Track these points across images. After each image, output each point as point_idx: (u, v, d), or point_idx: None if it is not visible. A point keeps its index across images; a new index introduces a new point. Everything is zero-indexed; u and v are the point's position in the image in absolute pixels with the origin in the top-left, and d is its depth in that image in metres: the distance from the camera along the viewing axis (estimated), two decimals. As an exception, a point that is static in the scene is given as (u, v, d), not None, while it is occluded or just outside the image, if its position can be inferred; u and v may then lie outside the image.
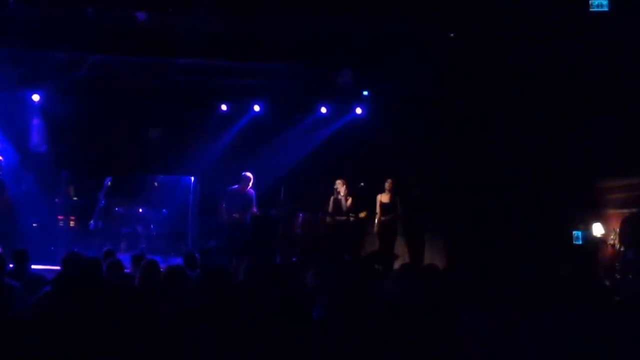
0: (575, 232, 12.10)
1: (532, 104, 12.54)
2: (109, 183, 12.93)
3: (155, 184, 15.30)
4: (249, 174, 13.54)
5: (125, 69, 13.98)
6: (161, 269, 6.98)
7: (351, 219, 13.52)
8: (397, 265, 11.73)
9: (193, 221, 14.97)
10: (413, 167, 14.19)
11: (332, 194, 13.71)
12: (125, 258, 9.20)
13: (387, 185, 13.52)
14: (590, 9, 10.14)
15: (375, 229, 13.51)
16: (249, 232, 13.30)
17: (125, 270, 8.47)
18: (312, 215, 13.93)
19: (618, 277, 10.40)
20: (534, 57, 11.84)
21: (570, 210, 12.43)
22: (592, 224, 12.21)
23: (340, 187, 13.62)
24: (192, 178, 15.25)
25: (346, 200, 13.60)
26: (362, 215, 13.54)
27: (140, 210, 14.72)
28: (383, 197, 13.55)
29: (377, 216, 13.48)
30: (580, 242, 12.05)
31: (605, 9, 10.10)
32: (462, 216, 13.47)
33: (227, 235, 13.54)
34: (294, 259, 13.40)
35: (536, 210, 12.48)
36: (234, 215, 13.39)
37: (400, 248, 13.48)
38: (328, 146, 15.05)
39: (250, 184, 13.51)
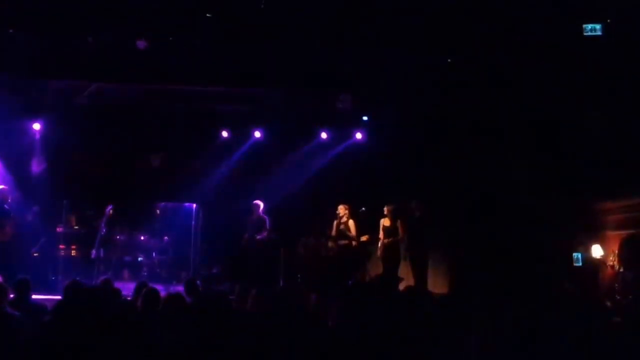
0: (575, 254, 12.09)
1: (531, 127, 12.59)
2: (110, 211, 12.95)
3: (157, 211, 15.45)
4: (256, 202, 13.79)
5: (126, 96, 14.06)
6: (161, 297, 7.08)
7: (353, 243, 13.56)
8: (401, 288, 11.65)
9: (195, 248, 14.92)
10: (414, 190, 13.97)
11: (335, 219, 13.77)
12: (125, 287, 9.18)
13: (385, 210, 13.52)
14: (584, 34, 10.28)
15: (379, 252, 13.53)
16: (253, 257, 13.48)
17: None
18: (315, 239, 13.96)
19: (618, 297, 10.31)
20: (531, 80, 11.89)
21: (570, 232, 12.41)
22: (591, 246, 12.18)
23: (343, 211, 13.68)
24: (194, 205, 15.24)
25: (348, 224, 13.64)
26: (364, 238, 13.59)
27: (142, 238, 14.88)
28: (385, 221, 13.52)
29: (381, 240, 13.48)
30: (580, 264, 12.04)
31: (599, 33, 10.19)
32: (465, 240, 13.49)
33: (233, 260, 13.83)
34: (296, 284, 13.45)
35: (537, 232, 12.45)
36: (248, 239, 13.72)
37: (404, 272, 13.37)
38: (330, 171, 15.05)
39: (260, 210, 13.75)
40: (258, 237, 13.59)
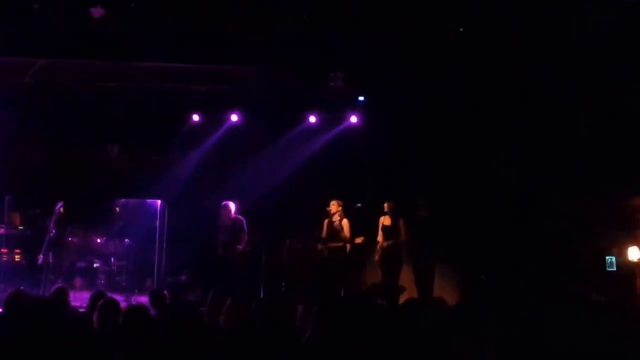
0: (608, 258, 12.14)
1: (553, 115, 12.69)
2: (60, 209, 12.72)
3: (116, 209, 15.24)
4: (227, 203, 13.59)
5: (79, 75, 13.85)
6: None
7: (347, 245, 13.46)
8: (403, 300, 11.65)
9: (161, 252, 14.81)
10: (419, 184, 14.05)
11: (325, 217, 13.67)
12: (78, 297, 9.11)
13: (385, 207, 13.45)
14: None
15: (376, 257, 13.43)
16: (230, 264, 13.39)
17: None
18: (301, 241, 14.15)
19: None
20: (553, 55, 11.95)
21: (601, 233, 12.41)
22: (626, 248, 12.19)
23: (335, 209, 13.58)
24: (160, 201, 15.12)
25: (341, 223, 13.53)
26: (359, 240, 13.43)
27: (98, 240, 14.65)
28: (385, 220, 13.46)
29: (379, 242, 13.42)
30: (614, 269, 12.08)
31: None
32: (478, 243, 13.47)
33: (206, 266, 13.81)
34: (279, 293, 13.60)
35: (564, 233, 12.52)
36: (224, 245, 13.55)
37: (407, 280, 13.34)
38: (319, 161, 15.02)
39: (232, 212, 13.58)
40: (239, 247, 13.44)
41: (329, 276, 13.46)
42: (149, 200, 15.34)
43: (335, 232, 13.58)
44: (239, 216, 13.62)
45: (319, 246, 13.72)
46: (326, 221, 13.67)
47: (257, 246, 13.80)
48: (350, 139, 15.04)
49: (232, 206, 13.62)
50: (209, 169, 15.13)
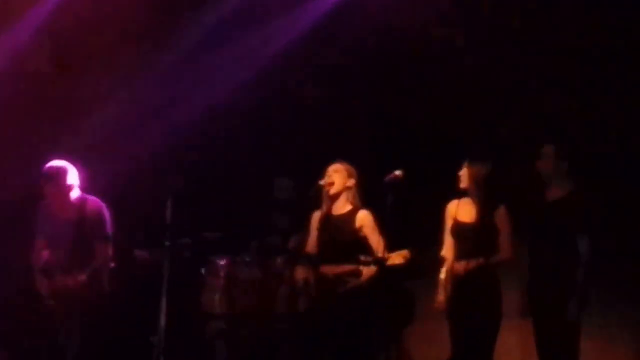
0: None
1: None
2: None
3: None
4: (57, 168, 11.86)
5: None
6: None
7: (364, 271, 11.43)
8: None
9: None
10: (539, 124, 12.65)
11: (317, 205, 11.83)
12: None
13: (462, 178, 11.25)
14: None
15: (442, 296, 11.31)
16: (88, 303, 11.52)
17: None
18: (257, 265, 13.14)
19: None
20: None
21: None
22: None
23: (340, 183, 11.60)
24: None
25: (355, 219, 11.51)
26: (396, 260, 11.22)
27: None
28: (460, 210, 11.28)
29: (447, 261, 11.37)
30: None
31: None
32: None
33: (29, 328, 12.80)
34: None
35: None
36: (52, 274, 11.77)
37: (511, 343, 12.10)
38: (301, 71, 14.10)
39: (70, 182, 11.72)
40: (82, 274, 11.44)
41: (325, 347, 11.58)
42: None
43: (340, 239, 11.53)
44: (93, 198, 11.69)
45: (299, 275, 11.92)
46: (318, 214, 11.69)
47: (145, 275, 12.24)
48: (372, 19, 13.35)
49: (70, 174, 11.60)
50: (34, 94, 13.62)
